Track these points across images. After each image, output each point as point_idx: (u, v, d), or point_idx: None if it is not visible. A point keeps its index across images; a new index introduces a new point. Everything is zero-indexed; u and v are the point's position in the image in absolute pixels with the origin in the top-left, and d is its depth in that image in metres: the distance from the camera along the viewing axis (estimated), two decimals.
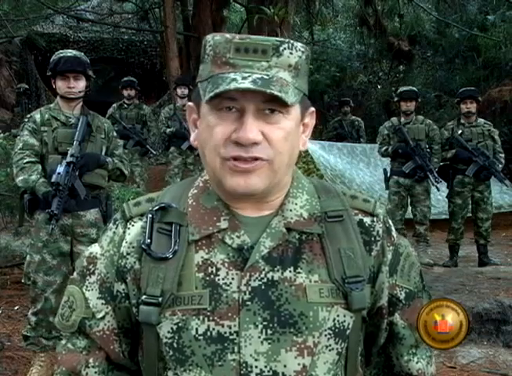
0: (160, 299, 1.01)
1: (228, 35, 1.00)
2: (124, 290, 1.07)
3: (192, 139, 1.09)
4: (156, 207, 1.06)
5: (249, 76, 0.96)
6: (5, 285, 5.02)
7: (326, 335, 1.01)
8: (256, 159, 0.99)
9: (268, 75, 0.97)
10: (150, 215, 1.05)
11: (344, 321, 1.03)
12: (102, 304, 1.07)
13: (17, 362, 3.57)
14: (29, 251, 3.48)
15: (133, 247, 1.06)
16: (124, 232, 1.09)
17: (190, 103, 1.09)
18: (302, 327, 1.01)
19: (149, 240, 1.04)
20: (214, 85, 0.97)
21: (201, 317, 1.00)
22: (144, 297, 1.02)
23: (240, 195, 1.02)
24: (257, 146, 0.98)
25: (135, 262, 1.05)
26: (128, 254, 1.06)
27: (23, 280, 3.59)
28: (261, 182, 1.00)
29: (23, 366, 3.51)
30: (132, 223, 1.09)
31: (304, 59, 1.03)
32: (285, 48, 1.00)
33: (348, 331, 1.03)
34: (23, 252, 5.14)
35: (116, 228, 1.10)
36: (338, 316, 1.02)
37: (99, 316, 1.07)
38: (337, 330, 1.02)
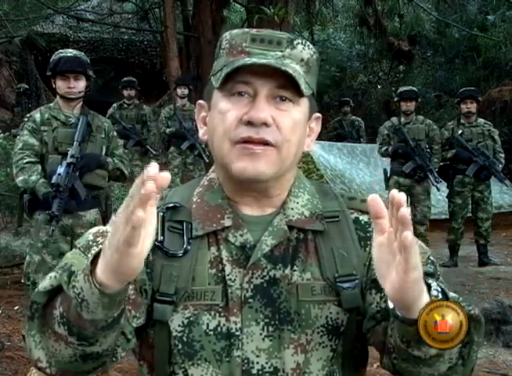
0: (175, 297, 1.01)
1: (245, 29, 1.05)
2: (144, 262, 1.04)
3: (201, 134, 1.10)
4: (167, 207, 1.07)
5: (264, 60, 1.00)
6: (5, 285, 5.02)
7: (318, 332, 1.02)
8: (265, 144, 1.00)
9: (282, 63, 1.01)
10: (161, 214, 1.05)
11: (338, 318, 1.03)
12: None
13: (17, 362, 3.57)
14: (29, 252, 3.48)
15: None
16: None
17: (200, 101, 1.11)
18: (296, 324, 1.02)
19: (162, 238, 1.03)
20: (229, 67, 1.00)
21: (213, 313, 1.02)
22: (158, 295, 1.02)
23: (247, 180, 1.02)
24: (266, 128, 1.00)
25: (148, 255, 1.04)
26: None
27: (22, 280, 3.59)
28: (268, 168, 1.01)
29: (23, 366, 3.51)
30: None
31: (315, 59, 1.06)
32: (298, 43, 1.04)
33: (342, 328, 1.03)
34: (23, 252, 5.14)
35: None
36: (331, 313, 1.03)
37: None
38: (330, 327, 1.03)
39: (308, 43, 1.06)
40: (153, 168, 0.75)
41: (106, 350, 0.93)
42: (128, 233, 0.77)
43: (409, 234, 0.80)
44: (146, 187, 0.75)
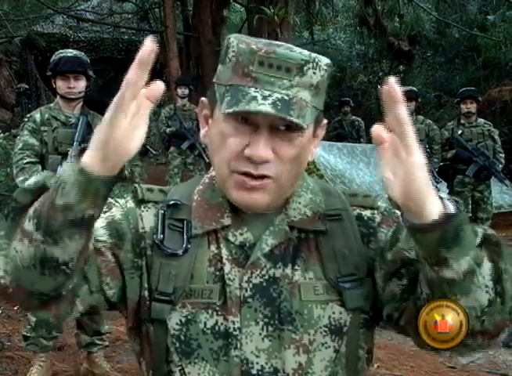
0: (173, 297, 1.01)
1: (253, 46, 0.97)
2: (134, 249, 1.03)
3: (202, 135, 1.08)
4: (168, 204, 1.06)
5: (269, 95, 0.94)
6: None
7: (321, 333, 1.01)
8: (263, 177, 0.98)
9: (288, 95, 0.95)
10: (162, 211, 1.05)
11: (341, 318, 1.02)
12: (105, 234, 1.01)
13: (17, 362, 3.57)
14: None
15: (146, 233, 1.05)
16: (137, 210, 1.06)
17: (203, 99, 1.08)
18: (298, 324, 1.01)
19: (161, 236, 1.03)
20: (234, 99, 0.95)
21: (210, 311, 1.01)
22: (156, 294, 1.01)
23: (244, 208, 1.03)
24: (267, 163, 0.97)
25: (147, 249, 1.04)
26: (142, 237, 1.04)
27: None
28: (264, 199, 1.00)
29: (23, 366, 3.51)
30: (147, 208, 1.07)
31: (326, 76, 1.01)
32: (309, 68, 0.98)
33: (345, 329, 1.02)
34: None
35: (125, 201, 1.08)
36: (334, 313, 1.02)
37: (99, 238, 1.00)
38: (332, 327, 1.02)
39: (319, 64, 0.99)
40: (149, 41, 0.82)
41: (66, 264, 0.89)
42: (119, 95, 0.83)
43: (403, 109, 0.88)
44: (144, 46, 0.82)
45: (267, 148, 0.96)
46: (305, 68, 0.97)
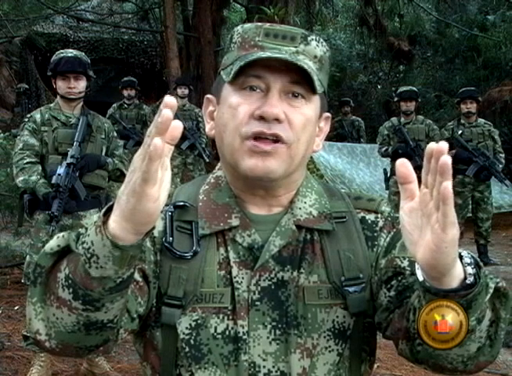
0: (183, 301, 0.99)
1: (258, 23, 1.03)
2: (153, 257, 1.00)
3: (207, 129, 1.08)
4: (175, 205, 1.04)
5: (278, 54, 0.98)
6: (5, 285, 5.02)
7: (325, 337, 1.01)
8: (276, 141, 0.97)
9: (296, 59, 0.98)
10: (170, 213, 1.03)
11: (344, 322, 1.02)
12: None
13: (17, 362, 3.57)
14: (29, 252, 3.48)
15: (155, 238, 1.03)
16: None
17: (208, 95, 1.08)
18: (303, 328, 1.01)
19: (171, 238, 1.01)
20: (243, 60, 0.97)
21: (221, 316, 1.00)
22: (166, 298, 1.00)
23: (256, 178, 1.00)
24: (279, 124, 0.97)
25: (156, 253, 1.02)
26: (154, 242, 1.02)
27: (23, 280, 3.59)
28: (278, 166, 0.99)
29: (23, 366, 3.51)
30: None
31: (328, 56, 1.05)
32: (312, 39, 1.02)
33: (349, 332, 1.02)
34: (23, 252, 5.14)
35: None
36: (338, 317, 1.02)
37: None
38: (336, 331, 1.01)
39: (321, 40, 1.04)
40: (169, 97, 0.74)
41: (111, 321, 0.88)
42: (144, 168, 0.75)
43: (449, 184, 0.76)
44: (162, 114, 0.73)
45: (278, 106, 0.97)
46: (309, 38, 1.02)
